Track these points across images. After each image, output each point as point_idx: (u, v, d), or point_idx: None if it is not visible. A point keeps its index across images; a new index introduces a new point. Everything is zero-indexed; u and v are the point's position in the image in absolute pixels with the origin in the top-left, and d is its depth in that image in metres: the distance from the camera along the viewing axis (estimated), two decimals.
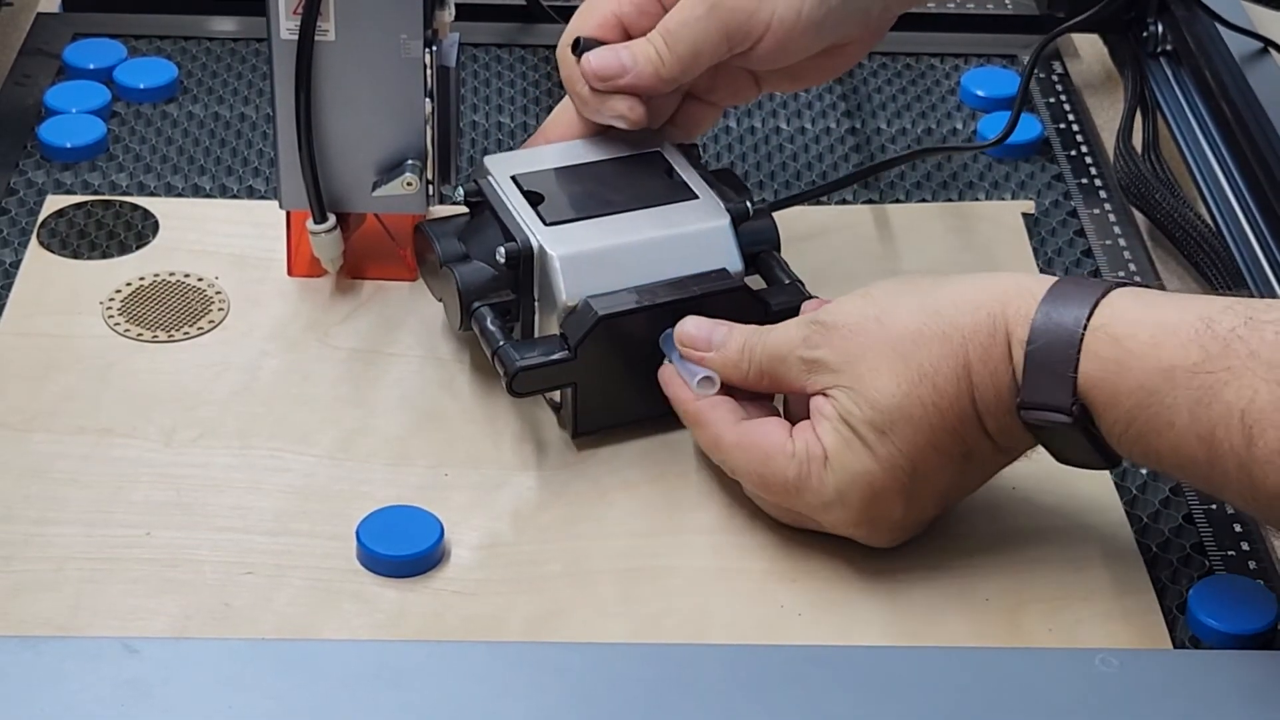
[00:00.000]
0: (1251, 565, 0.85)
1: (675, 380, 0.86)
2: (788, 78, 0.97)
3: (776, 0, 0.91)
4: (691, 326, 0.86)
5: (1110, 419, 0.76)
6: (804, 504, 0.81)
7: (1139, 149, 1.12)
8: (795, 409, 0.85)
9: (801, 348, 0.82)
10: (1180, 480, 0.83)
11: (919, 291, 0.81)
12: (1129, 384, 0.74)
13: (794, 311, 0.91)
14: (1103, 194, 1.09)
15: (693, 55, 0.92)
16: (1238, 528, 0.87)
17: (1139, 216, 1.08)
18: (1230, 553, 0.85)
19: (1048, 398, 0.76)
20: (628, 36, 0.93)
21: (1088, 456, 0.78)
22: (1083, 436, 0.77)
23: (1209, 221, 1.07)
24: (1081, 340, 0.75)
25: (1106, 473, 0.89)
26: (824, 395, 0.81)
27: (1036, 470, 0.85)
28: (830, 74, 0.99)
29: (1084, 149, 1.13)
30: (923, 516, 0.82)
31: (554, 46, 1.20)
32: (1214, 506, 0.88)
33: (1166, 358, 0.74)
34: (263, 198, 1.06)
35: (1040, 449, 0.81)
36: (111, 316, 0.96)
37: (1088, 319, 0.76)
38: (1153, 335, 0.75)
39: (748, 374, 0.84)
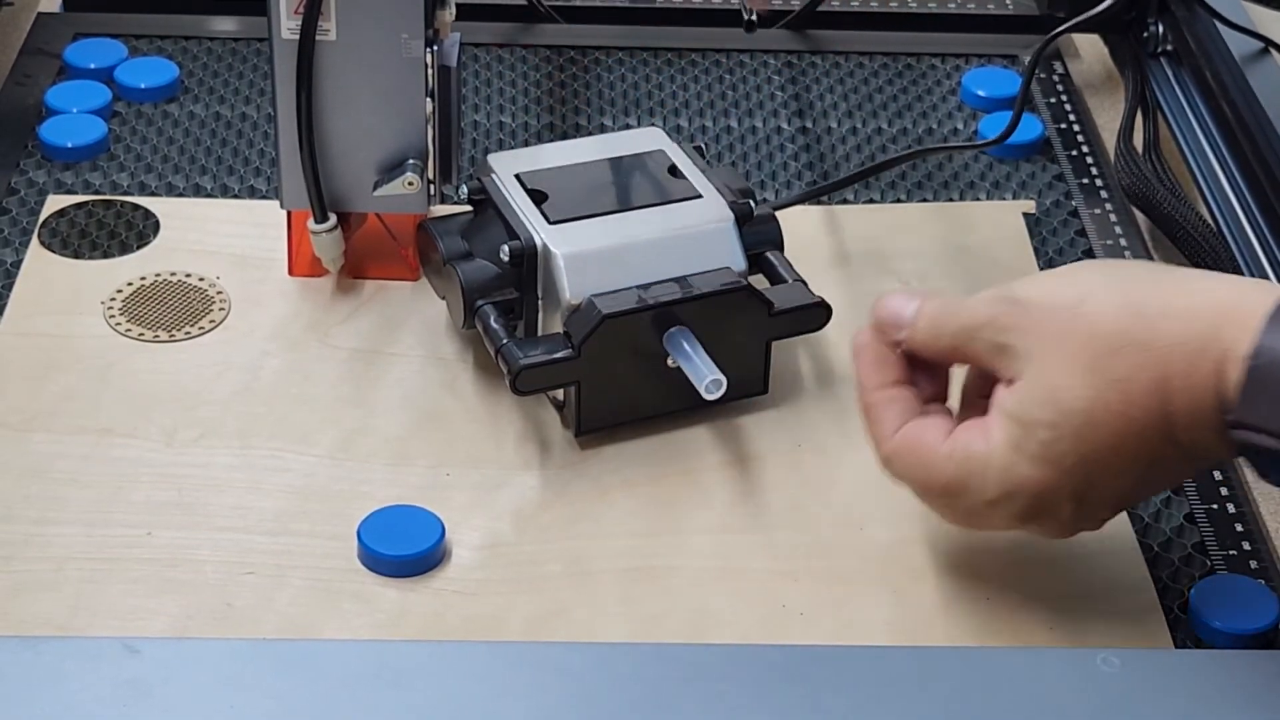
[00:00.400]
0: (1253, 565, 0.85)
1: (860, 359, 0.81)
2: None
3: None
4: (888, 305, 0.81)
5: None
6: (966, 504, 0.78)
7: (1140, 149, 1.12)
8: (975, 387, 0.81)
9: (989, 329, 0.77)
10: None
11: (1126, 285, 0.75)
12: None
13: (796, 311, 0.91)
14: (1104, 194, 1.09)
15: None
16: (1239, 528, 0.87)
17: (1140, 217, 1.08)
18: (1232, 552, 0.85)
19: (1265, 421, 0.70)
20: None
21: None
22: None
23: (1210, 222, 1.07)
24: None
25: None
26: (1006, 386, 0.76)
27: None
28: None
29: (1085, 149, 1.13)
30: (1096, 516, 0.78)
31: (554, 46, 1.21)
32: (1215, 506, 0.88)
33: None
34: (264, 197, 1.06)
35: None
36: (112, 316, 0.96)
37: None
38: None
39: (939, 350, 0.80)
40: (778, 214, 0.95)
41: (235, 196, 1.06)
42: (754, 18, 1.16)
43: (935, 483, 0.78)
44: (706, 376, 0.86)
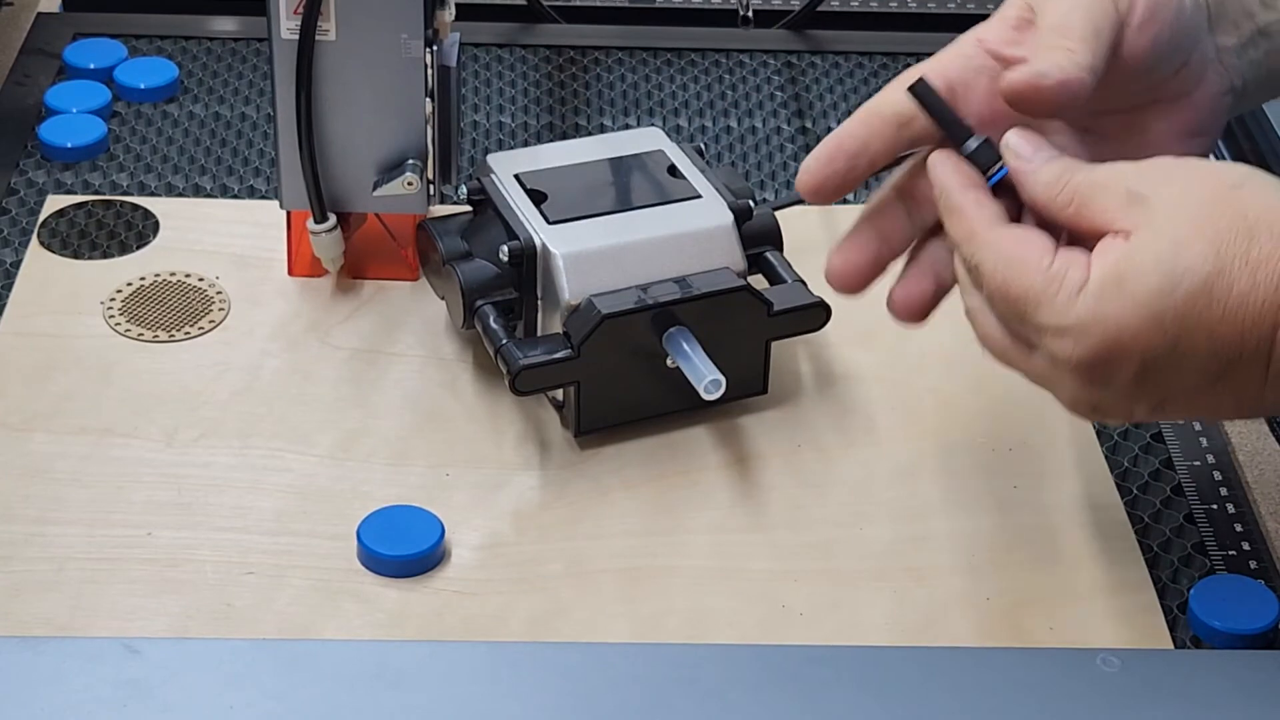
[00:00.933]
0: (1252, 565, 0.85)
1: (946, 165, 0.76)
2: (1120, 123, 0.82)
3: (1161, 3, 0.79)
4: (1026, 133, 0.75)
5: None
6: (1035, 321, 0.72)
7: None
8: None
9: (1133, 178, 0.72)
10: None
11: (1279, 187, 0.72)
12: None
13: (796, 311, 0.91)
14: None
15: (1094, 33, 0.77)
16: (1239, 527, 0.87)
17: None
18: (1231, 552, 0.85)
19: None
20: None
21: None
22: None
23: None
24: None
25: (1107, 472, 0.89)
26: (1122, 237, 0.71)
27: (1037, 470, 0.85)
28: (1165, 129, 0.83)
29: None
30: (1134, 404, 0.73)
31: (554, 46, 1.21)
32: (1215, 506, 0.88)
33: None
34: (264, 197, 1.06)
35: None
36: (112, 316, 0.96)
37: None
38: None
39: (1057, 199, 0.73)
40: (778, 214, 0.95)
41: (235, 196, 1.06)
42: (749, 14, 1.16)
43: (1017, 285, 0.72)
44: (706, 377, 0.86)
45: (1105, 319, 0.70)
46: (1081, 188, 0.73)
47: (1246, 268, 0.69)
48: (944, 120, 0.77)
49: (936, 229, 0.79)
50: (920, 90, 0.77)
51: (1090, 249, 0.72)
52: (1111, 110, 0.81)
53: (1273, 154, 1.06)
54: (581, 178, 0.93)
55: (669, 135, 0.97)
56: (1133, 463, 0.90)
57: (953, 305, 1.00)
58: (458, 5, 0.96)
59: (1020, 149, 0.75)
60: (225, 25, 1.21)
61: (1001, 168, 0.75)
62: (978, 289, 0.75)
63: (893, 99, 0.79)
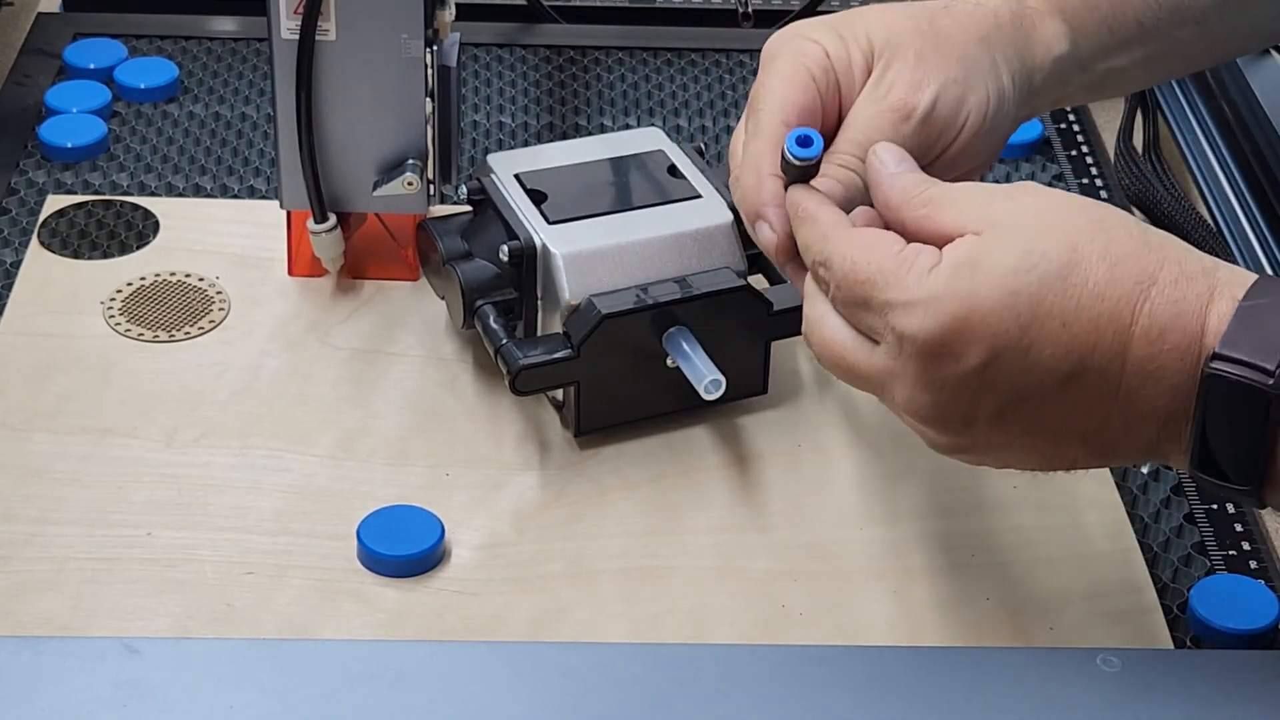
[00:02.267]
0: (1252, 565, 0.85)
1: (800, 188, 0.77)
2: None
3: (969, 104, 0.83)
4: (886, 148, 0.76)
5: None
6: (884, 298, 0.70)
7: (1140, 149, 1.12)
8: None
9: (990, 190, 0.73)
10: None
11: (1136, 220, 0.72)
12: None
13: (795, 311, 0.91)
14: (1104, 194, 1.09)
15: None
16: (1239, 527, 0.87)
17: (1140, 216, 1.08)
18: (1231, 552, 0.85)
19: (1250, 354, 0.67)
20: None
21: (1245, 447, 0.68)
22: (1263, 415, 0.67)
23: (1210, 222, 1.07)
24: None
25: (1107, 472, 0.89)
26: (974, 234, 0.71)
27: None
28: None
29: (1085, 149, 1.13)
30: (976, 405, 0.70)
31: (554, 46, 1.21)
32: (1215, 506, 0.88)
33: None
34: (264, 197, 1.06)
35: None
36: (112, 316, 0.96)
37: None
38: None
39: (912, 200, 0.73)
40: None
41: (235, 196, 1.06)
42: (749, 14, 1.16)
43: (863, 266, 0.71)
44: (705, 377, 0.86)
45: (959, 292, 0.69)
46: (936, 194, 0.73)
47: (1104, 262, 0.69)
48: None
49: None
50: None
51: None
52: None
53: (1272, 153, 1.06)
54: (581, 178, 0.93)
55: (669, 135, 0.97)
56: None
57: None
58: (458, 5, 0.96)
59: (885, 156, 0.76)
60: (225, 25, 1.21)
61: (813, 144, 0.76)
62: (824, 289, 0.74)
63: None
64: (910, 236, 0.72)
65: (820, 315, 0.74)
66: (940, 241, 0.71)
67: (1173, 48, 0.90)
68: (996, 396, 0.70)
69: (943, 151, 0.82)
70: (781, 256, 0.78)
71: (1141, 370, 0.68)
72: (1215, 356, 0.67)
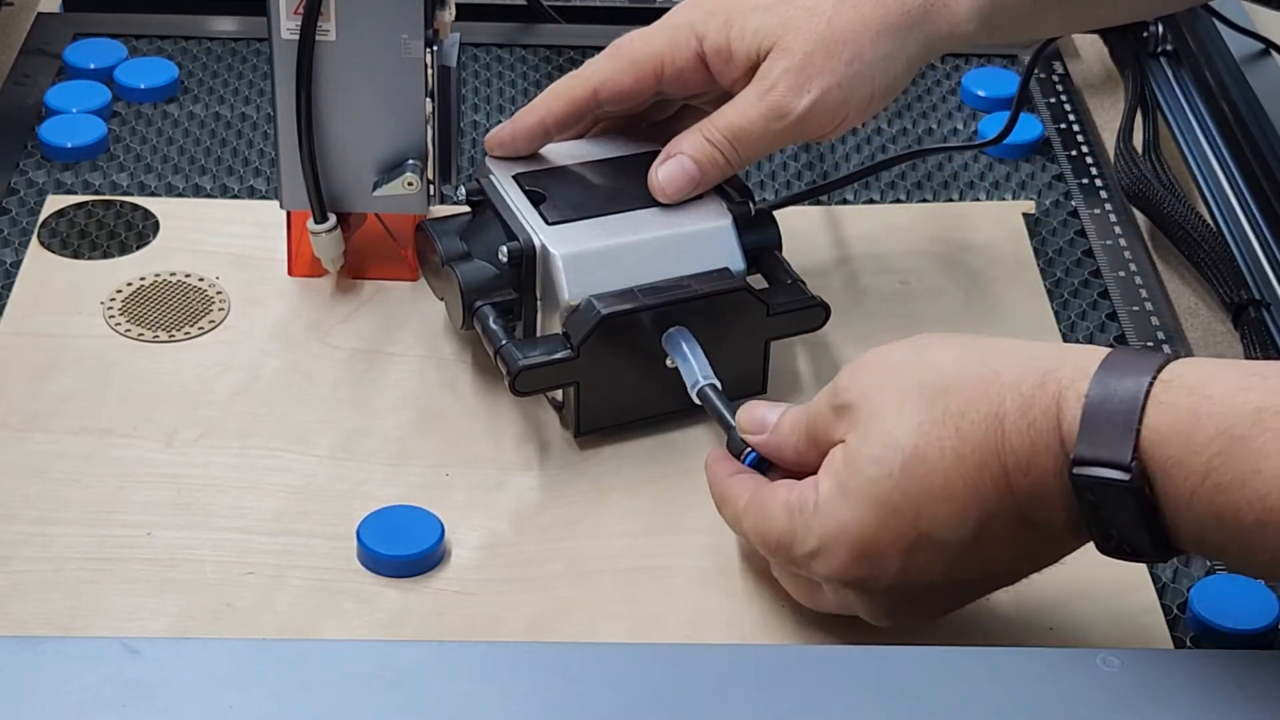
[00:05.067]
0: None
1: (713, 462, 0.82)
2: None
3: (851, 105, 0.90)
4: (749, 411, 0.82)
5: (1181, 475, 0.68)
6: (797, 556, 0.76)
7: (1139, 149, 1.12)
8: None
9: (830, 395, 0.76)
10: (1253, 547, 0.69)
11: (971, 341, 0.75)
12: (1208, 431, 0.67)
13: (795, 311, 0.91)
14: (1103, 194, 1.09)
15: (760, 155, 0.92)
16: None
17: (1140, 217, 1.08)
18: None
19: (1104, 451, 0.69)
20: (658, 85, 0.93)
21: (1135, 532, 0.70)
22: (1135, 504, 0.69)
23: (1209, 222, 1.07)
24: (1150, 390, 0.69)
25: None
26: (840, 443, 0.75)
27: None
28: None
29: (1085, 149, 1.13)
30: (922, 581, 0.74)
31: (554, 46, 1.21)
32: None
33: (1254, 400, 0.67)
34: (264, 197, 1.06)
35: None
36: (112, 316, 0.96)
37: (1157, 372, 0.69)
38: (1237, 382, 0.68)
39: (798, 445, 0.78)
40: (777, 214, 0.95)
41: (235, 196, 1.06)
42: None
43: (771, 534, 0.77)
44: (698, 382, 0.86)
45: (844, 525, 0.74)
46: (804, 426, 0.78)
47: (948, 424, 0.72)
48: (720, 418, 0.85)
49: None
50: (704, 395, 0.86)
51: None
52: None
53: (1272, 153, 1.06)
54: (580, 178, 0.93)
55: None
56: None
57: (952, 313, 1.01)
58: (458, 5, 0.96)
59: (751, 426, 0.81)
60: (225, 25, 1.21)
61: (751, 450, 0.81)
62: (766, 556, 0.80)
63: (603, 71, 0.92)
64: (803, 456, 0.78)
65: (778, 573, 0.80)
66: (825, 447, 0.76)
67: (1091, 8, 0.98)
68: (929, 576, 0.74)
69: (818, 138, 0.93)
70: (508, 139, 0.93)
71: (1030, 496, 0.71)
72: (1075, 461, 0.70)
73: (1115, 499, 0.69)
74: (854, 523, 0.73)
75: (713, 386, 0.86)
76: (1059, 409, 0.70)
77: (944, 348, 0.75)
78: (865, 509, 0.73)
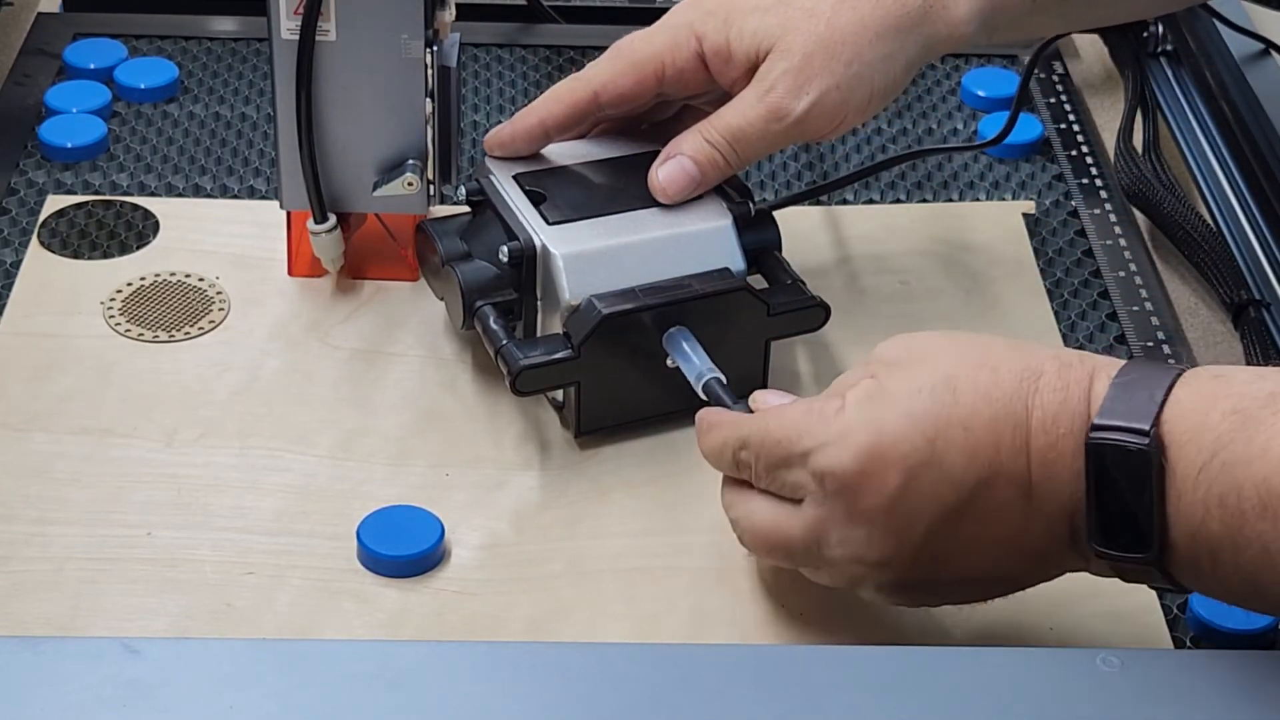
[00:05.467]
0: None
1: (707, 411, 0.82)
2: None
3: (850, 106, 0.90)
4: (762, 396, 0.82)
5: (1193, 450, 0.69)
6: (800, 449, 0.75)
7: (1139, 149, 1.12)
8: None
9: (862, 366, 0.77)
10: (1248, 536, 0.69)
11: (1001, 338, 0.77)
12: (1221, 409, 0.69)
13: (795, 311, 0.91)
14: (1103, 194, 1.09)
15: (759, 156, 0.93)
16: None
17: (1140, 217, 1.08)
18: None
19: (1124, 419, 0.70)
20: (658, 87, 0.93)
21: (1137, 500, 0.70)
22: (1144, 472, 0.70)
23: (1209, 221, 1.07)
24: (1177, 377, 0.71)
25: None
26: (868, 378, 0.76)
27: None
28: None
29: (1084, 149, 1.13)
30: (906, 522, 0.73)
31: (554, 46, 1.21)
32: None
33: (1269, 386, 0.69)
34: (264, 198, 1.06)
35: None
36: (112, 316, 0.96)
37: (1182, 371, 0.72)
38: (1256, 371, 0.71)
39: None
40: (777, 214, 0.95)
41: (235, 196, 1.06)
42: None
43: (774, 429, 0.76)
44: (703, 375, 0.86)
45: (865, 422, 0.73)
46: (828, 392, 0.78)
47: (985, 367, 0.73)
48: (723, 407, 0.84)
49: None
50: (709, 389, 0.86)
51: None
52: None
53: (1272, 153, 1.06)
54: (581, 178, 0.93)
55: None
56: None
57: (952, 313, 1.01)
58: (458, 5, 0.96)
59: (767, 403, 0.81)
60: (225, 25, 1.21)
61: None
62: (746, 474, 0.78)
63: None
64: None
65: (748, 511, 0.79)
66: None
67: (1091, 7, 0.98)
68: (922, 517, 0.73)
69: (818, 139, 0.93)
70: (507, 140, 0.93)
71: (1044, 460, 0.72)
72: (1095, 428, 0.71)
73: (1124, 468, 0.70)
74: (874, 422, 0.73)
75: (717, 380, 0.85)
76: (1090, 383, 0.72)
77: (976, 334, 0.77)
78: (888, 414, 0.73)
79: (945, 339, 0.76)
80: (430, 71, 0.93)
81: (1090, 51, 1.24)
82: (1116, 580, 0.82)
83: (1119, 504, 0.71)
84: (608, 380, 0.88)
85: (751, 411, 0.81)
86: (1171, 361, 0.72)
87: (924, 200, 1.08)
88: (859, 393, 0.75)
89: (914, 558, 0.74)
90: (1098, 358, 0.74)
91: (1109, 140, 1.14)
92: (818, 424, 0.75)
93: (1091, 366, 0.73)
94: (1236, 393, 0.69)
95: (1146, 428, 0.69)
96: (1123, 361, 0.73)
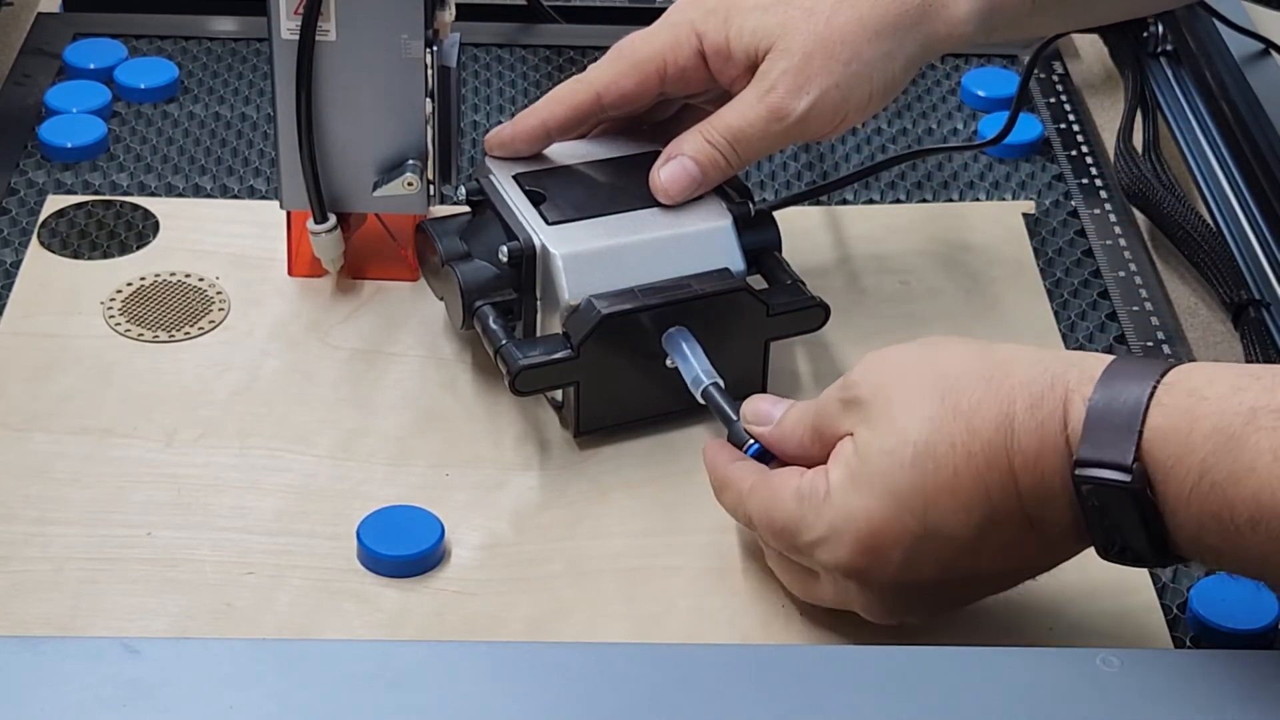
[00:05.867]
0: None
1: (712, 450, 0.83)
2: None
3: (850, 105, 0.91)
4: (754, 404, 0.82)
5: (1181, 472, 0.69)
6: (802, 542, 0.76)
7: (1139, 149, 1.12)
8: None
9: (840, 390, 0.77)
10: (1246, 547, 0.69)
11: (978, 343, 0.76)
12: (1204, 429, 0.68)
13: (794, 312, 0.91)
14: (1103, 194, 1.09)
15: (760, 156, 0.93)
16: None
17: (1139, 216, 1.08)
18: None
19: (1106, 454, 0.69)
20: (661, 86, 0.93)
21: (1135, 534, 0.71)
22: (1135, 506, 0.70)
23: (1209, 221, 1.07)
24: (1152, 393, 0.69)
25: None
26: (849, 435, 0.76)
27: None
28: None
29: (1084, 149, 1.13)
30: (920, 579, 0.75)
31: (554, 47, 1.21)
32: None
33: (1249, 400, 0.68)
34: (263, 198, 1.06)
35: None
36: (112, 316, 0.96)
37: (1160, 377, 0.70)
38: (1233, 383, 0.69)
39: (802, 439, 0.79)
40: (777, 214, 0.95)
41: (235, 196, 1.06)
42: None
43: (778, 518, 0.77)
44: (702, 381, 0.86)
45: (853, 514, 0.74)
46: (811, 420, 0.79)
47: (959, 420, 0.73)
48: (721, 414, 0.85)
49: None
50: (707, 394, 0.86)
51: None
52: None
53: (1272, 153, 1.06)
54: (580, 178, 0.93)
55: None
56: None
57: (952, 313, 1.01)
58: (458, 5, 0.96)
59: (756, 419, 0.82)
60: (225, 25, 1.21)
61: (753, 443, 0.82)
62: (765, 542, 0.80)
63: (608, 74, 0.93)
64: (807, 450, 0.79)
65: (774, 562, 0.81)
66: (830, 441, 0.77)
67: (1091, 6, 0.99)
68: (931, 574, 0.75)
69: (818, 138, 0.94)
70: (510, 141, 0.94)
71: (1036, 497, 0.72)
72: (1078, 463, 0.70)
73: (1116, 500, 0.70)
74: (862, 512, 0.74)
75: (716, 385, 0.86)
76: (1065, 412, 0.71)
77: (954, 348, 0.76)
78: (874, 499, 0.74)
79: (909, 378, 0.75)
80: (430, 71, 0.93)
81: (1090, 51, 1.24)
82: (1116, 580, 0.82)
83: (1117, 530, 0.71)
84: (607, 380, 0.88)
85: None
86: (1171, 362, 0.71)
87: (924, 200, 1.08)
88: (840, 473, 0.75)
89: (934, 603, 0.77)
90: (1069, 373, 0.72)
91: (1109, 140, 1.14)
92: (809, 516, 0.76)
93: (1064, 391, 0.71)
94: (1216, 410, 0.68)
95: (1129, 462, 0.69)
96: (1097, 372, 0.71)
